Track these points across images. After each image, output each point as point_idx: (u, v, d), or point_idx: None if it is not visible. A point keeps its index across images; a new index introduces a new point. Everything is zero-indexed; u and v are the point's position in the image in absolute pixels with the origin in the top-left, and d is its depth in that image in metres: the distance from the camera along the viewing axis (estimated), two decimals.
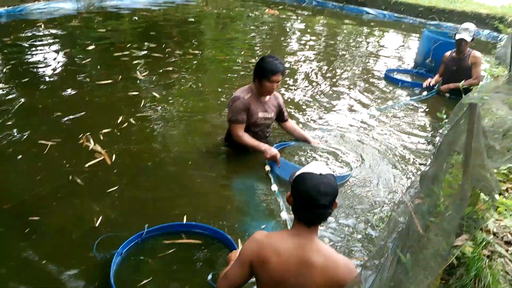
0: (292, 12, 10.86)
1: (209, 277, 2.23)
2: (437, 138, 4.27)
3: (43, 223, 2.61)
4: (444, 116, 3.89)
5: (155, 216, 2.70)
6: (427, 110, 5.05)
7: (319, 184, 1.63)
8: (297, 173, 1.75)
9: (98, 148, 3.47)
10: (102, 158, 3.35)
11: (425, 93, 5.38)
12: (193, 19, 8.94)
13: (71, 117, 4.00)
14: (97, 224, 2.62)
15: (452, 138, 3.20)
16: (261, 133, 3.50)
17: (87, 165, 3.23)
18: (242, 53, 6.78)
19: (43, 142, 3.49)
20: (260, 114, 3.36)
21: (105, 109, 4.31)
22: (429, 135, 4.41)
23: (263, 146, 3.30)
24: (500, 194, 2.41)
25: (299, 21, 10.12)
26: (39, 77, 5.00)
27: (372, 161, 3.69)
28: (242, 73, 5.78)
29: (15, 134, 3.65)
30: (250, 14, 10.12)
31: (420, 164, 3.73)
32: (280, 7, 11.24)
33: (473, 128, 1.73)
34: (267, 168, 3.34)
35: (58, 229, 2.59)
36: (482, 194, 2.12)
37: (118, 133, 3.79)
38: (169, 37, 7.40)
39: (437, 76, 5.50)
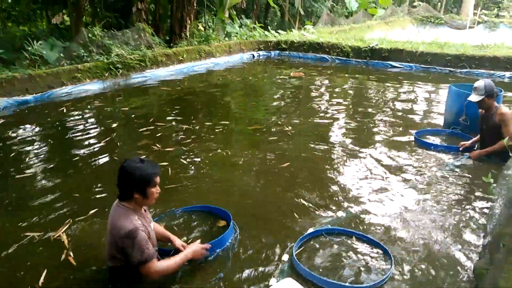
0: (317, 72, 10.82)
1: None
2: (487, 208, 3.73)
3: None
4: (492, 181, 3.41)
5: None
6: (468, 175, 4.43)
7: None
8: None
9: (65, 241, 3.22)
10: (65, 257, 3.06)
11: (462, 158, 4.76)
12: (217, 88, 8.97)
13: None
14: None
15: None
16: None
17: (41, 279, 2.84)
18: (273, 119, 6.54)
19: (28, 234, 3.34)
20: (151, 232, 2.78)
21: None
22: (478, 207, 3.77)
23: (188, 254, 2.73)
24: None
25: (324, 81, 9.96)
26: (62, 159, 4.95)
27: (409, 249, 3.20)
28: (276, 143, 5.48)
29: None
30: (275, 79, 10.05)
31: (471, 249, 3.15)
32: (301, 68, 11.23)
33: None
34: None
35: None
36: None
37: None
38: (194, 107, 7.39)
39: (477, 137, 4.99)
